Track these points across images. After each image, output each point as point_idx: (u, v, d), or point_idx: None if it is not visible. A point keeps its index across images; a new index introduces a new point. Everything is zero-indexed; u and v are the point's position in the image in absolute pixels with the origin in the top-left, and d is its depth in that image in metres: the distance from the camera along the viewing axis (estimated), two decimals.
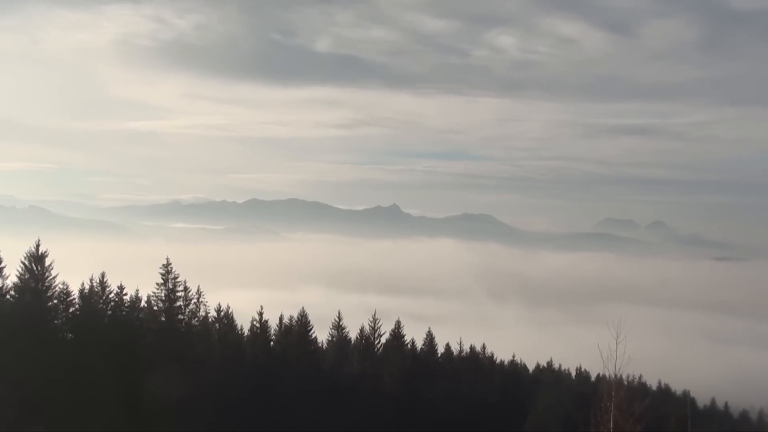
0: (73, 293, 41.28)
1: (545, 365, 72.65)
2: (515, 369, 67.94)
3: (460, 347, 62.11)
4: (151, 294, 43.98)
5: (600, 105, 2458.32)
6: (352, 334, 56.06)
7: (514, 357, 69.70)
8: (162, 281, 43.45)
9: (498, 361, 65.89)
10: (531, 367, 72.81)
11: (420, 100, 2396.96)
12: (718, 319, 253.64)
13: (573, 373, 74.14)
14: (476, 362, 62.05)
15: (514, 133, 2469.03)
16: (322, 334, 56.25)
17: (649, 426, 17.41)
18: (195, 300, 44.91)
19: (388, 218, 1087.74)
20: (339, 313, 56.76)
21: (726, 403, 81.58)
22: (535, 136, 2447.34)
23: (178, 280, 43.58)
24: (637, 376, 58.48)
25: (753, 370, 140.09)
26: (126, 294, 43.94)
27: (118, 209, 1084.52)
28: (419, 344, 57.89)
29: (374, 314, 55.40)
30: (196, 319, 45.17)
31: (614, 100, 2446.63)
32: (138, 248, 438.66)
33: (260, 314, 50.51)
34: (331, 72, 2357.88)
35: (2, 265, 37.17)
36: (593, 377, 68.59)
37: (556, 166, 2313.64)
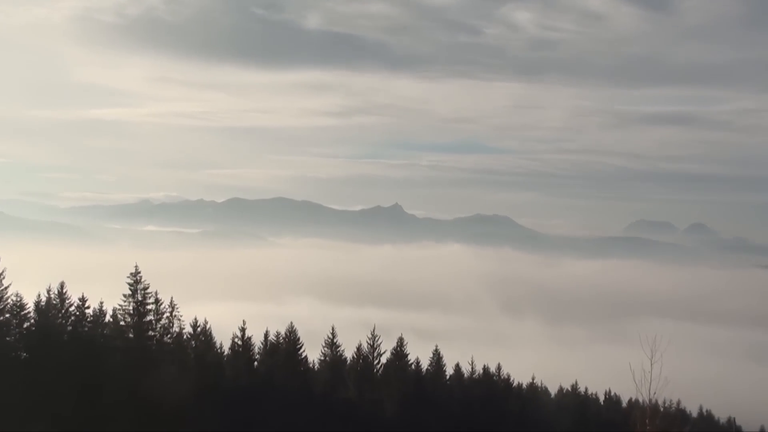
0: (27, 306, 41.40)
1: (569, 389, 73.16)
2: (535, 393, 68.53)
3: (472, 368, 62.91)
4: (118, 307, 44.12)
5: (631, 90, 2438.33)
6: (348, 353, 56.55)
7: (533, 379, 70.23)
8: (130, 292, 43.55)
9: (515, 384, 66.35)
10: (553, 391, 73.66)
11: (425, 84, 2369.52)
12: (767, 337, 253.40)
13: (601, 398, 75.08)
14: (490, 385, 62.54)
15: (532, 122, 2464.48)
16: (313, 353, 56.34)
17: None
18: (168, 314, 45.12)
19: (388, 220, 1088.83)
20: (333, 329, 56.50)
21: None
22: (557, 126, 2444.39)
23: (148, 291, 43.78)
24: (675, 401, 58.67)
25: None
26: (88, 307, 43.99)
27: (79, 210, 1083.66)
28: (425, 364, 58.38)
29: (373, 330, 55.65)
30: (168, 335, 45.28)
31: (647, 85, 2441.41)
32: (102, 254, 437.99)
33: (242, 330, 50.72)
34: (322, 52, 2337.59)
35: None
36: (624, 402, 69.39)
37: (581, 160, 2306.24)
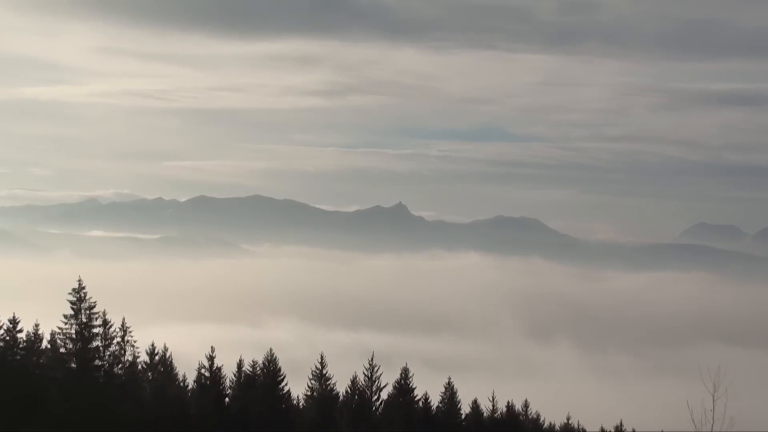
0: None
1: (612, 431, 72.82)
2: None
3: (493, 405, 62.53)
4: (57, 331, 43.83)
5: (688, 63, 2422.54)
6: (340, 386, 56.54)
7: (568, 419, 70.41)
8: (72, 312, 43.29)
9: (546, 424, 66.28)
10: None
11: (433, 56, 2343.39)
12: None
13: None
14: (515, 426, 62.24)
15: (566, 103, 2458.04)
16: (297, 386, 56.35)
17: None
18: (118, 339, 45.02)
19: (390, 224, 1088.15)
20: (321, 358, 56.15)
21: None
22: (597, 107, 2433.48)
23: (94, 311, 43.56)
24: None
25: None
26: (21, 330, 43.89)
27: (9, 211, 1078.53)
28: (435, 401, 58.28)
29: (371, 359, 55.54)
30: (120, 365, 45.29)
31: (708, 56, 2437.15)
32: (37, 266, 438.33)
33: (210, 359, 50.73)
34: (307, 18, 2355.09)
35: None
36: None
37: (627, 149, 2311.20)
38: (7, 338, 44.26)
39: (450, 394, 58.36)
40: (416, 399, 55.55)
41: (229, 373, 52.24)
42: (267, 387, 51.77)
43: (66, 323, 44.12)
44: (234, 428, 48.94)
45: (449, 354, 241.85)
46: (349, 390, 54.67)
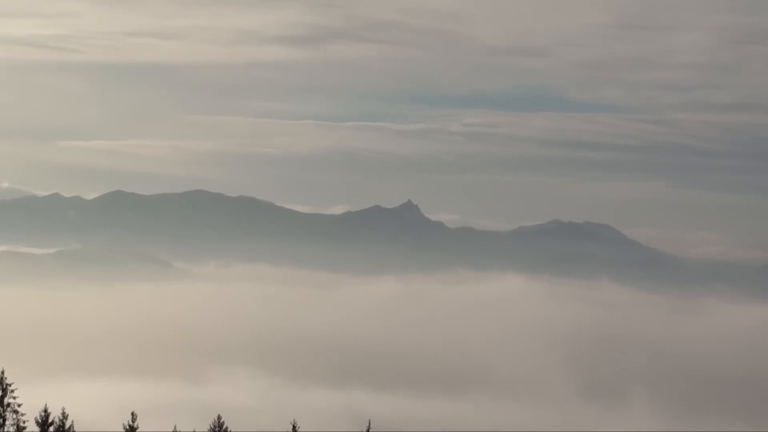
0: None
1: None
2: None
3: None
4: None
5: None
6: None
7: None
8: None
9: None
10: None
11: None
12: None
13: None
14: None
15: (651, 55, 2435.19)
16: None
17: None
18: None
19: (395, 232, 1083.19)
20: (293, 426, 56.70)
21: None
22: (697, 61, 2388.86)
23: None
24: None
25: None
26: None
27: None
28: None
29: (368, 427, 56.39)
30: None
31: None
32: None
33: (131, 429, 50.91)
34: None
35: None
36: None
37: (741, 123, 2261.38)
38: None
39: None
40: None
41: None
42: None
43: None
44: None
45: (479, 422, 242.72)
46: None
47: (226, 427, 53.28)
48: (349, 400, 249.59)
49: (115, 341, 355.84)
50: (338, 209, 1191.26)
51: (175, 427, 53.77)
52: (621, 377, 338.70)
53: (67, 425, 50.07)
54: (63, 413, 49.91)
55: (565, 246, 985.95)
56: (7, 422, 46.05)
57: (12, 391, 46.50)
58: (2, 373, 46.18)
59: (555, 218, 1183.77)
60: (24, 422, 47.34)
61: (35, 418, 48.72)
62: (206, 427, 53.30)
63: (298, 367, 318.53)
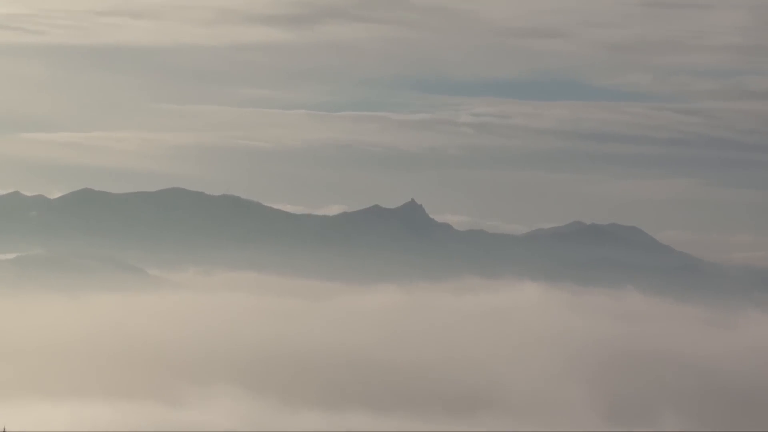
0: None
1: None
2: None
3: None
4: None
5: None
6: None
7: None
8: None
9: None
10: None
11: None
12: None
13: None
14: None
15: (684, 36, 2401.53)
16: None
17: None
18: None
19: (397, 235, 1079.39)
20: None
21: None
22: (732, 43, 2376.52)
23: None
24: None
25: None
26: None
27: None
28: None
29: None
30: None
31: None
32: None
33: None
34: None
35: None
36: None
37: None
38: None
39: None
40: None
41: None
42: None
43: None
44: None
45: None
46: None
47: None
48: (345, 424, 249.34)
49: (82, 358, 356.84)
50: (333, 209, 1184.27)
51: None
52: (649, 398, 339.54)
53: None
54: None
55: (586, 251, 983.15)
56: None
57: None
58: None
59: (576, 220, 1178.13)
60: None
61: None
62: None
63: (288, 387, 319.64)
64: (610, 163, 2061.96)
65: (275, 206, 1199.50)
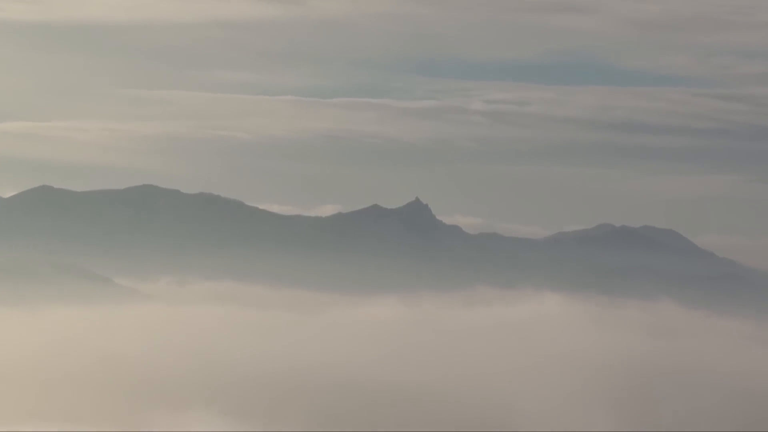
0: None
1: None
2: None
3: None
4: None
5: None
6: None
7: None
8: None
9: None
10: None
11: None
12: None
13: None
14: None
15: (725, 12, 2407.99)
16: None
17: None
18: None
19: (399, 239, 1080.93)
20: None
21: None
22: None
23: None
24: None
25: None
26: None
27: None
28: None
29: None
30: None
31: None
32: None
33: None
34: None
35: None
36: None
37: None
38: None
39: None
40: None
41: None
42: None
43: None
44: None
45: None
46: None
47: None
48: None
49: (38, 379, 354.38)
50: (326, 210, 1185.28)
51: None
52: (687, 424, 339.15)
53: None
54: None
55: (616, 257, 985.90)
56: None
57: None
58: None
59: (604, 222, 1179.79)
60: None
61: None
62: None
63: (273, 413, 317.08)
64: (643, 157, 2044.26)
65: (260, 206, 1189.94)
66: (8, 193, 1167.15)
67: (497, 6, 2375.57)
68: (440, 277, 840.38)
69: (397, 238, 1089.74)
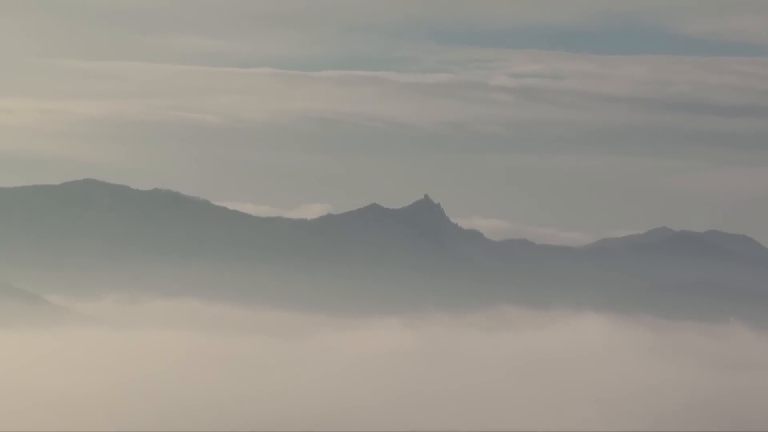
0: None
1: None
2: None
3: None
4: None
5: None
6: None
7: None
8: None
9: None
10: None
11: None
12: None
13: None
14: None
15: None
16: None
17: None
18: None
19: (405, 245, 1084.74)
20: None
21: None
22: None
23: None
24: None
25: None
26: None
27: None
28: None
29: None
30: None
31: None
32: None
33: None
34: None
35: None
36: None
37: None
38: None
39: None
40: None
41: None
42: None
43: None
44: None
45: None
46: None
47: None
48: None
49: None
50: (312, 211, 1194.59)
51: None
52: None
53: None
54: None
55: (674, 269, 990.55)
56: None
57: None
58: None
59: (660, 226, 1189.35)
60: None
61: None
62: None
63: None
64: (707, 144, 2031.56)
65: (230, 206, 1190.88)
66: None
67: None
68: (455, 295, 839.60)
69: (400, 246, 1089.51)
